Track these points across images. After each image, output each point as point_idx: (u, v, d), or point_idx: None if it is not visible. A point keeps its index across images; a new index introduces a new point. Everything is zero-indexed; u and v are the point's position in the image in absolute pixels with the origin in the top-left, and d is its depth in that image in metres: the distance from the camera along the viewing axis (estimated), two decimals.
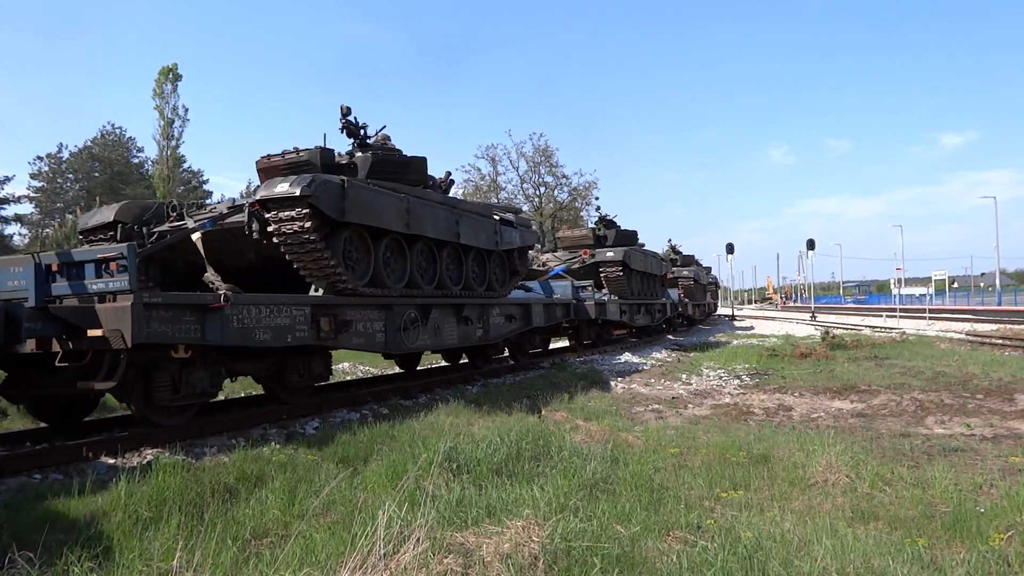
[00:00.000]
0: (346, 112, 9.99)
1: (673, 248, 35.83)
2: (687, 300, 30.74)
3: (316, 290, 8.67)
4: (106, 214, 9.19)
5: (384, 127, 10.63)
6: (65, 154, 52.59)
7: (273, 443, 6.63)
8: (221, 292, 6.94)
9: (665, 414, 8.86)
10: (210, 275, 9.22)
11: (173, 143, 33.67)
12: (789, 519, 4.14)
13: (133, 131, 70.03)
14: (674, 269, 31.52)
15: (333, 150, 9.73)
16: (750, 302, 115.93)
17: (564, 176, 44.13)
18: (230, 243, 8.78)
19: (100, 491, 4.69)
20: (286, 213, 7.85)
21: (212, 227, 8.28)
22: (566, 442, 6.00)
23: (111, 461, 6.14)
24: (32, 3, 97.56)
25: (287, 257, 8.22)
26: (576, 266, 19.94)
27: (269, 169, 9.47)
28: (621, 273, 19.80)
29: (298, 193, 7.61)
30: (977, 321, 29.74)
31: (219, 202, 10.14)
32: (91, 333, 5.92)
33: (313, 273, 8.34)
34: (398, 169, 10.06)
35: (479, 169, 43.16)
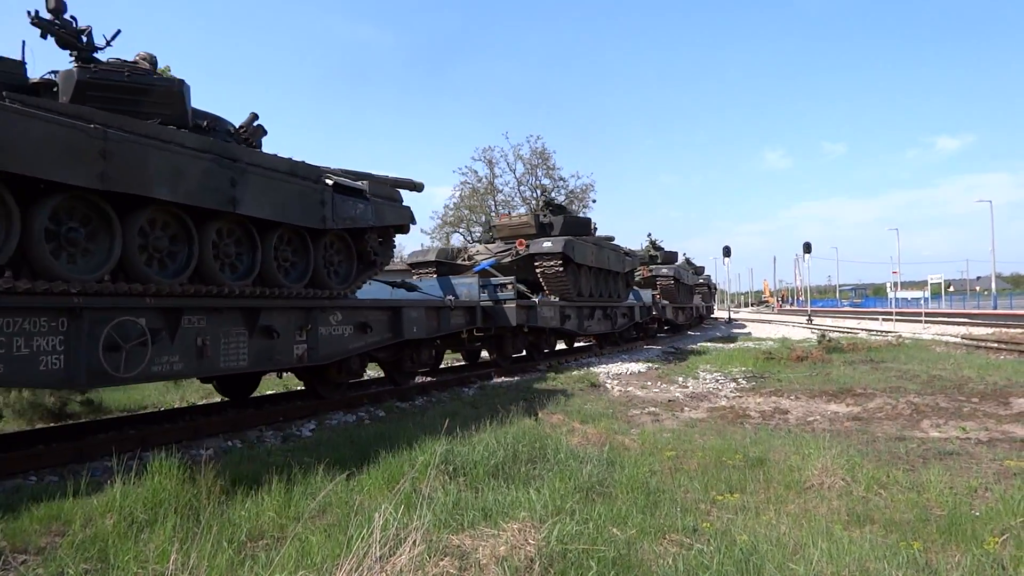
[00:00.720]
0: (56, 7, 6.65)
1: (653, 243, 32.14)
2: (665, 302, 27.34)
3: None
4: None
5: (115, 34, 7.15)
6: None
7: (269, 445, 6.63)
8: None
9: (661, 417, 8.86)
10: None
11: None
12: (785, 522, 4.15)
13: None
14: (652, 267, 28.77)
15: (24, 63, 6.52)
16: (747, 305, 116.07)
17: (561, 179, 44.16)
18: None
19: (95, 493, 4.68)
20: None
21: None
22: (562, 445, 6.00)
23: (106, 463, 6.13)
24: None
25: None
26: (508, 260, 16.62)
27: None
28: (561, 269, 16.05)
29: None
30: (973, 325, 29.80)
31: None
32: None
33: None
34: (128, 95, 6.86)
35: (476, 171, 43.15)
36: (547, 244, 16.13)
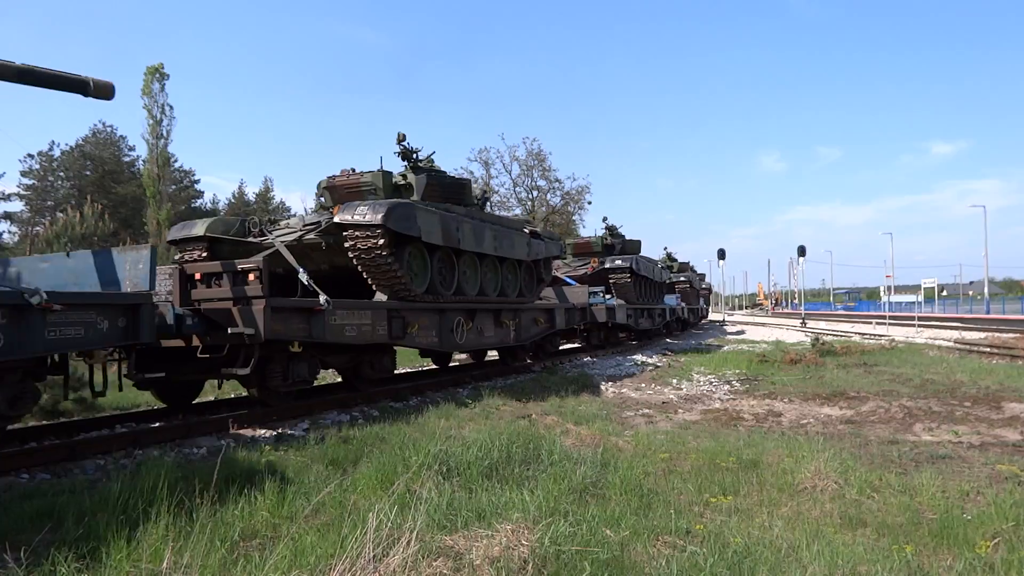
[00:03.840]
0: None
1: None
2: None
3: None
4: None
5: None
6: (56, 152, 52.30)
7: (263, 444, 6.61)
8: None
9: (655, 419, 8.87)
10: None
11: (162, 142, 33.51)
12: (778, 525, 4.16)
13: (124, 130, 69.57)
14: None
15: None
16: (741, 308, 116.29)
17: (557, 180, 44.21)
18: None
19: (88, 491, 4.67)
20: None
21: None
22: (556, 446, 5.99)
23: (99, 461, 6.12)
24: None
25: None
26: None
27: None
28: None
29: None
30: (965, 329, 29.90)
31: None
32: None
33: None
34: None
35: (472, 172, 43.14)
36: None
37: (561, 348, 19.02)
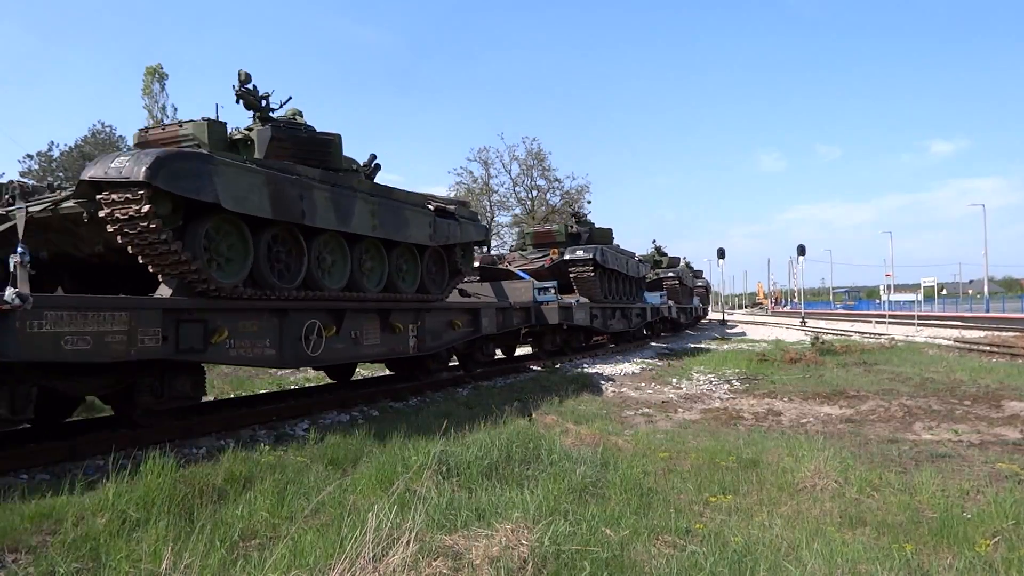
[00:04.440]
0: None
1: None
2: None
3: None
4: None
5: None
6: (55, 152, 52.30)
7: (262, 444, 6.61)
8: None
9: (655, 418, 8.87)
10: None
11: None
12: (778, 524, 4.16)
13: (123, 130, 69.50)
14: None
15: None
16: (740, 307, 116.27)
17: (556, 180, 44.16)
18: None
19: (87, 492, 4.66)
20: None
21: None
22: (556, 445, 5.99)
23: (99, 462, 6.11)
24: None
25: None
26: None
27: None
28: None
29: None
30: (965, 328, 29.91)
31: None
32: None
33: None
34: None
35: (471, 172, 43.10)
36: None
37: (517, 355, 16.99)
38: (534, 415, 8.43)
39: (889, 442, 7.07)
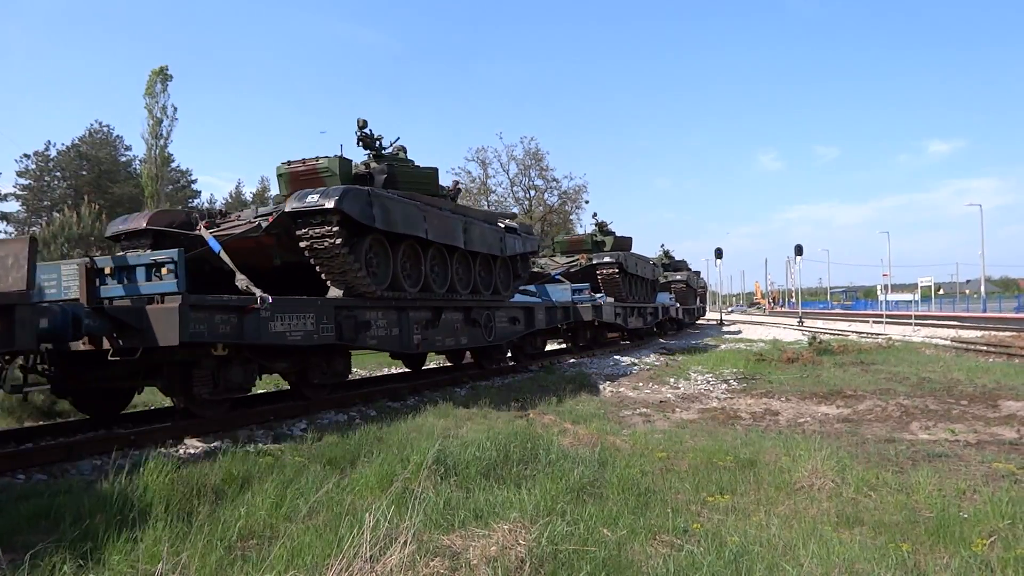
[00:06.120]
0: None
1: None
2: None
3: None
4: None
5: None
6: (53, 152, 52.21)
7: (260, 444, 6.61)
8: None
9: (653, 418, 8.88)
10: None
11: (161, 142, 33.63)
12: (775, 523, 4.16)
13: (120, 129, 69.39)
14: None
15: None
16: (738, 304, 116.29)
17: (554, 180, 44.16)
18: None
19: (85, 492, 4.66)
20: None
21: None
22: (554, 445, 6.00)
23: (96, 462, 6.10)
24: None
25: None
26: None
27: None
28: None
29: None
30: (962, 328, 29.95)
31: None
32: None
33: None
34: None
35: (469, 172, 43.07)
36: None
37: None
38: (532, 415, 8.43)
39: (886, 442, 7.08)
